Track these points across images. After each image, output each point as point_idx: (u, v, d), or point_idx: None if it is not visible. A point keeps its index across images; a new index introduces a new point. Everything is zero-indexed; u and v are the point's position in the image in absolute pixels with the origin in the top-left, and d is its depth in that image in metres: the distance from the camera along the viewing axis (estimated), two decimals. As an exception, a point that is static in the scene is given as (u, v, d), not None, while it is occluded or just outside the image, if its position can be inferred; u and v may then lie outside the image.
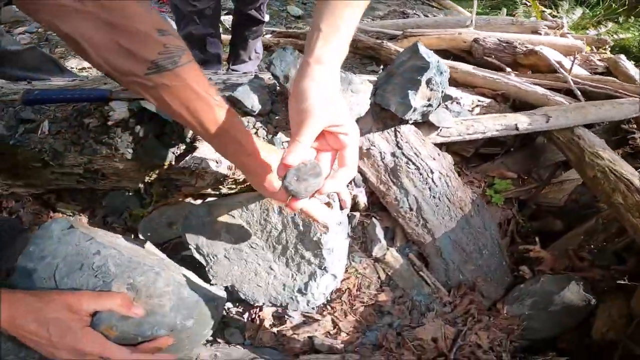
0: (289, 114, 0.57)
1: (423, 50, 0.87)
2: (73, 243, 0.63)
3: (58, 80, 1.21)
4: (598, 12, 3.67)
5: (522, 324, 1.00)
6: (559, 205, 1.26)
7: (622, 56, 1.59)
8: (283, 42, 1.90)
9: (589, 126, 1.19)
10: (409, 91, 0.84)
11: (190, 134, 0.87)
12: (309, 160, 0.55)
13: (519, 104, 1.28)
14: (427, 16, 2.30)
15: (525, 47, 1.50)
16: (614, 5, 3.80)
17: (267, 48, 1.89)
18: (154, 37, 0.50)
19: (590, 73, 1.62)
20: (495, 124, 1.06)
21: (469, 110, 1.19)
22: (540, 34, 1.88)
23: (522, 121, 1.06)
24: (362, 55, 1.79)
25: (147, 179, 0.94)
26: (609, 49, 2.25)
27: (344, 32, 0.57)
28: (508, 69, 1.53)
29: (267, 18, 2.56)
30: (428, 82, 0.86)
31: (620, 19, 3.57)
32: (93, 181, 0.97)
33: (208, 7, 1.37)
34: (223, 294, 0.79)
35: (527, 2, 3.49)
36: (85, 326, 0.56)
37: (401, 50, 1.61)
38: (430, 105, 0.89)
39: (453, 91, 1.26)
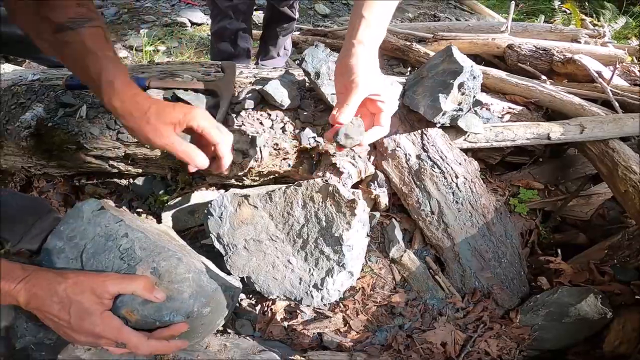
0: (335, 85, 0.73)
1: (457, 54, 0.86)
2: (102, 224, 0.65)
3: None
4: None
5: (534, 334, 0.99)
6: (585, 219, 1.22)
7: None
8: (311, 39, 1.90)
9: (624, 139, 1.15)
10: (440, 94, 0.83)
11: (220, 119, 0.88)
12: (354, 119, 0.71)
13: (552, 114, 1.25)
14: (459, 20, 2.24)
15: (564, 55, 1.45)
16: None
17: (295, 45, 1.90)
18: (71, 8, 0.63)
19: (630, 84, 1.55)
20: (527, 132, 1.03)
21: (499, 117, 1.16)
22: (580, 42, 1.80)
23: (555, 131, 1.03)
24: (390, 57, 1.76)
25: (174, 166, 0.97)
26: (651, 59, 2.17)
27: (382, 20, 0.70)
28: (543, 77, 1.49)
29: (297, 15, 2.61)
30: (460, 86, 0.84)
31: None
32: (124, 165, 1.01)
33: (243, 2, 1.40)
34: (239, 284, 0.80)
35: (567, 10, 3.38)
36: (105, 310, 0.58)
37: (431, 53, 1.59)
38: (460, 109, 0.88)
39: (483, 97, 1.23)
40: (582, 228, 1.22)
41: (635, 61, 2.34)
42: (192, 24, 2.70)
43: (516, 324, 1.01)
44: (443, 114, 0.85)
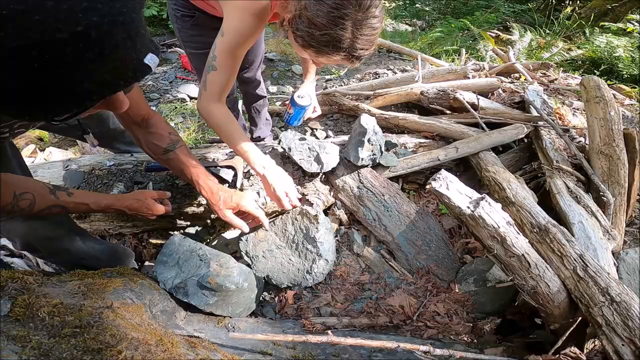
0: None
1: (363, 120, 1.45)
2: (186, 245, 1.20)
3: None
4: (555, 32, 4.30)
5: (472, 299, 1.38)
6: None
7: (531, 90, 2.07)
8: (288, 109, 2.52)
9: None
10: (358, 148, 1.43)
11: (239, 185, 1.47)
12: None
13: (450, 140, 1.79)
14: (395, 72, 2.84)
15: (454, 92, 1.91)
16: (567, 22, 4.44)
17: (278, 115, 2.50)
18: (166, 136, 1.14)
19: (510, 102, 2.03)
20: (425, 158, 1.61)
21: (413, 151, 1.75)
22: (469, 77, 2.26)
23: (441, 154, 1.60)
24: (347, 115, 2.31)
25: (212, 216, 1.54)
26: (561, 67, 2.72)
27: (313, 71, 1.55)
28: (448, 112, 1.97)
29: (272, 89, 3.06)
30: (368, 140, 1.44)
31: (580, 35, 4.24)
32: (178, 221, 1.58)
33: (229, 97, 2.01)
34: (262, 279, 1.35)
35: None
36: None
37: (372, 109, 2.17)
38: (374, 154, 1.47)
39: (404, 138, 1.81)
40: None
41: (544, 74, 2.97)
42: (191, 98, 3.04)
43: (456, 291, 1.41)
44: (362, 160, 1.44)
